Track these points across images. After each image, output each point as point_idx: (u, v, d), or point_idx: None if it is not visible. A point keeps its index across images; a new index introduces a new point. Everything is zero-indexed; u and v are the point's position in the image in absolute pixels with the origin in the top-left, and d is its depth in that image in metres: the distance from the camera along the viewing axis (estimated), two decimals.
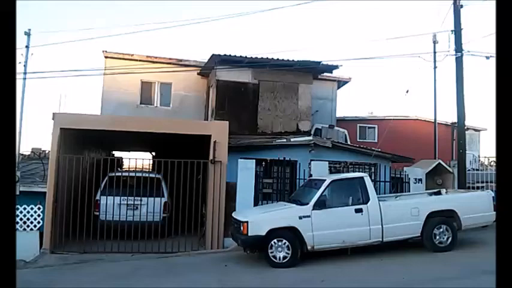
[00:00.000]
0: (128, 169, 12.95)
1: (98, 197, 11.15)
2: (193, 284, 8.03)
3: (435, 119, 18.54)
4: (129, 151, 20.19)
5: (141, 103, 16.46)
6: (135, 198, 11.02)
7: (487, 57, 12.98)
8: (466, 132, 13.76)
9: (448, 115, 25.84)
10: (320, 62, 14.66)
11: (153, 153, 21.51)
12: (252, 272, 8.66)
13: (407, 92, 15.25)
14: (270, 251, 8.68)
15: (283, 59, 14.34)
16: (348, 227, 8.94)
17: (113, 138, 14.35)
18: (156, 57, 16.21)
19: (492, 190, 10.57)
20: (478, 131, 23.76)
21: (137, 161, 11.49)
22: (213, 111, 14.75)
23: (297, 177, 12.13)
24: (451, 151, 16.68)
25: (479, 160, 19.51)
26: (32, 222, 11.20)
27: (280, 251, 8.68)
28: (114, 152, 20.30)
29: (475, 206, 9.77)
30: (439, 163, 13.70)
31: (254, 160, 11.46)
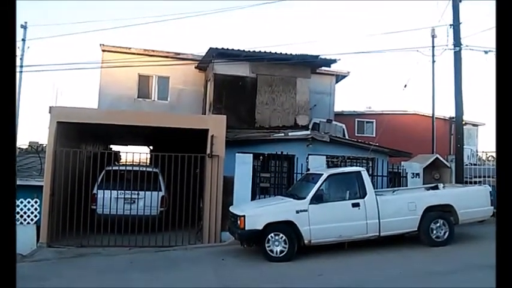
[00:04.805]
0: (125, 163, 12.91)
1: (95, 191, 11.12)
2: (190, 277, 8.03)
3: (433, 114, 18.56)
4: (126, 145, 20.15)
5: (138, 97, 16.41)
6: (132, 192, 10.99)
7: (486, 52, 12.95)
8: (464, 127, 13.77)
9: (446, 110, 25.91)
10: (318, 56, 14.62)
11: (151, 147, 21.47)
12: (249, 265, 8.67)
13: (405, 86, 15.23)
14: (267, 245, 8.69)
15: (281, 53, 14.31)
16: (345, 221, 8.94)
17: (110, 132, 14.30)
18: (153, 51, 16.15)
19: (490, 185, 10.58)
20: (476, 125, 23.78)
21: (134, 155, 11.47)
22: (211, 105, 14.71)
23: (295, 171, 12.12)
24: (449, 146, 16.73)
25: (477, 155, 19.48)
26: (28, 216, 11.18)
27: (277, 245, 8.68)
28: (111, 146, 20.25)
29: (472, 200, 9.78)
30: (437, 158, 13.71)
31: (252, 154, 11.45)
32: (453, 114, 13.70)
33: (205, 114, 15.54)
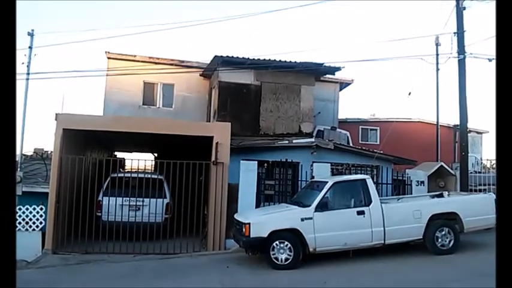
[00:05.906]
0: (130, 170, 12.95)
1: (100, 198, 11.16)
2: (194, 285, 8.02)
3: (437, 121, 18.52)
4: (131, 152, 20.21)
5: (143, 104, 16.50)
6: (137, 199, 11.02)
7: (490, 60, 12.97)
8: (468, 134, 13.74)
9: (450, 117, 25.84)
10: (322, 64, 14.67)
11: (156, 154, 21.53)
12: (253, 273, 8.65)
13: (409, 94, 15.27)
14: (271, 252, 8.67)
15: (285, 61, 14.39)
16: (350, 229, 8.92)
17: (115, 139, 14.36)
18: (158, 58, 16.25)
19: (494, 193, 10.55)
20: (480, 133, 23.73)
21: (139, 162, 11.51)
22: (215, 113, 14.76)
23: (299, 179, 12.12)
24: (453, 153, 16.69)
25: (481, 163, 19.44)
26: (34, 223, 11.21)
27: (282, 252, 8.66)
28: (116, 153, 20.31)
29: (477, 208, 9.74)
30: (441, 165, 13.68)
31: (256, 162, 11.46)
32: (457, 122, 13.69)
33: (209, 121, 15.59)
